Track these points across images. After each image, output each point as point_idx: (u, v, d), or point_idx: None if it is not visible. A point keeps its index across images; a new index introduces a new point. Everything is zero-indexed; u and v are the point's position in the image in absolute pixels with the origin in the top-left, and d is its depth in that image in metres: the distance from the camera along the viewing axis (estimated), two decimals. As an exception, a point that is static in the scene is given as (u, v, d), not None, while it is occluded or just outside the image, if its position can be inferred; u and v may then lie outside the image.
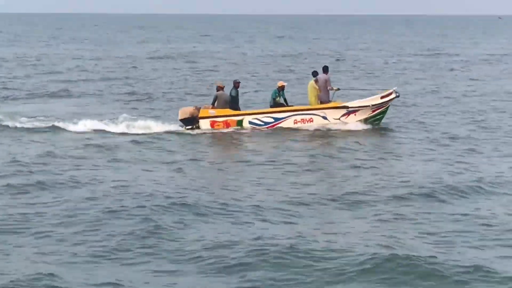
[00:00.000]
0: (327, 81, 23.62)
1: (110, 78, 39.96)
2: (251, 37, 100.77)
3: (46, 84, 36.79)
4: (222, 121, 23.23)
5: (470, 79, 41.25)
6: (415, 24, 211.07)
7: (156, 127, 23.35)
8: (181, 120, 23.46)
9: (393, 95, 23.76)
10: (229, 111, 23.31)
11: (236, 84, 23.78)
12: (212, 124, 23.18)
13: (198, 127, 23.17)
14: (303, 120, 23.54)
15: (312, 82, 23.75)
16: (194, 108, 23.75)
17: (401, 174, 17.25)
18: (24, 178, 16.30)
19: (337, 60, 55.30)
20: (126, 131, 22.93)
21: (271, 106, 23.71)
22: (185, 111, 23.58)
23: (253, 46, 77.29)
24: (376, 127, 23.68)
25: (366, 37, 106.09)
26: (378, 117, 23.82)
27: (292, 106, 23.97)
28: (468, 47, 75.15)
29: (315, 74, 23.99)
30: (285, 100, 23.77)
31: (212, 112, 23.21)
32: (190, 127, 23.27)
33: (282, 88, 23.76)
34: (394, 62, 53.70)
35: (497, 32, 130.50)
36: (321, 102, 23.64)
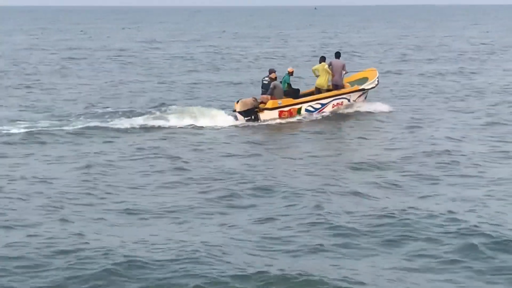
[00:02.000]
0: (344, 66, 24.94)
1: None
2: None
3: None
4: (287, 110, 23.76)
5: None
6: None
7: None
8: (241, 112, 23.60)
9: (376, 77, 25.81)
10: (292, 100, 23.88)
11: (291, 71, 24.75)
12: (280, 114, 23.63)
13: (257, 118, 23.47)
14: (338, 104, 24.83)
15: (324, 64, 24.80)
16: (253, 99, 24.07)
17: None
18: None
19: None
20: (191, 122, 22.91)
21: (285, 91, 24.27)
22: (245, 103, 23.74)
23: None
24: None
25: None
26: None
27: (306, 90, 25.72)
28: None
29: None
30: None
31: (280, 102, 23.71)
32: (248, 118, 23.51)
33: (291, 73, 24.78)
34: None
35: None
36: (335, 85, 24.83)
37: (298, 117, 23.82)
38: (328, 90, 24.83)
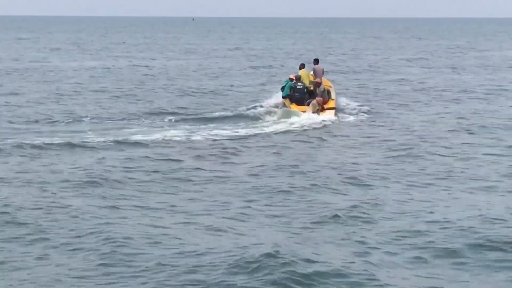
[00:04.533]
0: (323, 70, 28.68)
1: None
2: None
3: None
4: (334, 111, 27.16)
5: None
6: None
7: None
8: (313, 112, 26.46)
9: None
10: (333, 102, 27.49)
11: (292, 78, 28.42)
12: (335, 114, 26.97)
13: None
14: None
15: (304, 71, 28.48)
16: (316, 101, 27.12)
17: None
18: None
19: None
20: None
21: (288, 95, 27.61)
22: (314, 105, 26.77)
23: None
24: None
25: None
26: None
27: None
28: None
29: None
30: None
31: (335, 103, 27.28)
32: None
33: (293, 80, 28.11)
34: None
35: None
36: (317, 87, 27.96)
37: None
38: (310, 92, 27.93)
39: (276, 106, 28.39)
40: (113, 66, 54.13)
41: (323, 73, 28.47)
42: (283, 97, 28.02)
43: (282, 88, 28.25)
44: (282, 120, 26.17)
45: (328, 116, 26.43)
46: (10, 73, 47.03)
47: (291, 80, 28.18)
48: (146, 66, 53.95)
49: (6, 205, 14.52)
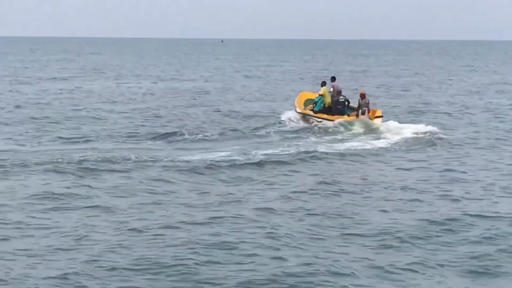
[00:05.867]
0: (339, 87, 29.86)
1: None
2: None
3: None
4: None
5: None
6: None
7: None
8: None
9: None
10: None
11: (321, 94, 29.60)
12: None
13: None
14: None
15: (326, 88, 29.44)
16: (366, 110, 27.84)
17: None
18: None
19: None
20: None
21: (320, 110, 29.05)
22: (365, 113, 27.81)
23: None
24: None
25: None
26: None
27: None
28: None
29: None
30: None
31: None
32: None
33: (322, 96, 29.55)
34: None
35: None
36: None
37: None
38: (329, 107, 29.25)
39: (305, 120, 29.46)
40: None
41: (340, 90, 29.72)
42: (315, 112, 29.18)
43: (315, 104, 29.44)
44: (362, 131, 26.82)
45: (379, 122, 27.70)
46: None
47: (321, 96, 29.32)
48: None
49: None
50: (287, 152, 22.43)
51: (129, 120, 31.38)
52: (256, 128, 28.51)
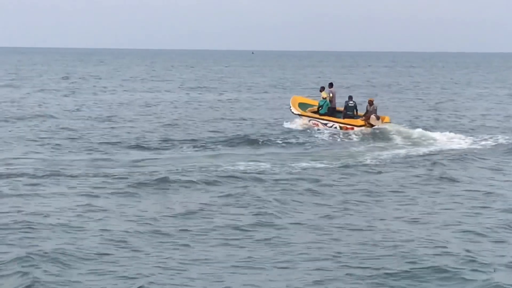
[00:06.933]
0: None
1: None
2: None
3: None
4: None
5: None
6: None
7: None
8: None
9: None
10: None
11: (325, 97, 31.96)
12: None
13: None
14: None
15: (325, 93, 32.00)
16: (375, 116, 30.15)
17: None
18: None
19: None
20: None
21: (326, 113, 31.55)
22: (377, 119, 29.82)
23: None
24: None
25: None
26: None
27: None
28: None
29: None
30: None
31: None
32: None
33: (326, 99, 32.01)
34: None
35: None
36: (333, 108, 32.15)
37: None
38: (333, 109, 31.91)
39: (305, 120, 31.74)
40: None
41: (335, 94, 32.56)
42: (321, 114, 31.48)
43: (320, 107, 31.70)
44: (420, 141, 28.33)
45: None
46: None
47: (324, 99, 31.61)
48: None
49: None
50: (339, 165, 22.86)
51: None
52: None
